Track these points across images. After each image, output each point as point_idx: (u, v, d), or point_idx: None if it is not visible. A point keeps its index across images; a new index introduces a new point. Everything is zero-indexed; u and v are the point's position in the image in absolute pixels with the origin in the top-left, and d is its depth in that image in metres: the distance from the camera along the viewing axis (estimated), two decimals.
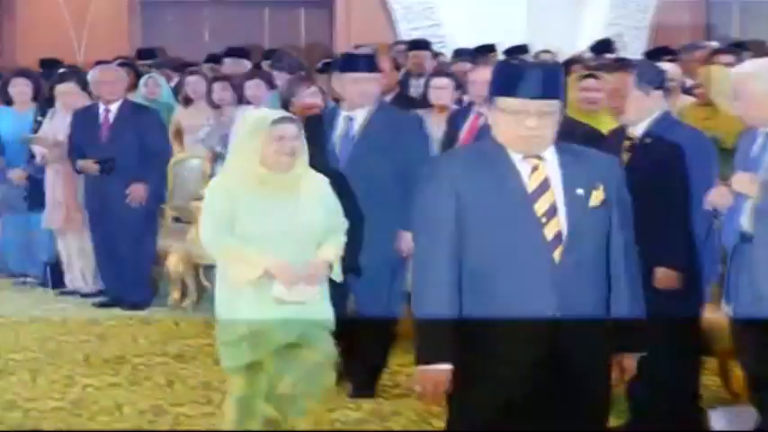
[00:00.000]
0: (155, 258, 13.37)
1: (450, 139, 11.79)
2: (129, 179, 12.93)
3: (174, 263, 13.04)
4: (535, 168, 5.27)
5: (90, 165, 12.75)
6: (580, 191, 5.34)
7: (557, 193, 5.34)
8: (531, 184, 5.31)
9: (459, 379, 5.50)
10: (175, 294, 13.07)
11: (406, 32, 20.41)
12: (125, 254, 13.17)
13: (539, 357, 5.47)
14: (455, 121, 11.78)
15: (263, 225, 7.25)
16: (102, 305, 13.04)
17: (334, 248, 7.54)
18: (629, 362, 5.71)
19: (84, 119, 13.17)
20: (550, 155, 5.37)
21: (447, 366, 5.41)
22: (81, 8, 20.32)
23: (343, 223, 7.65)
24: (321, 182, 7.63)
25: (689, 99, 11.90)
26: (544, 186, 5.29)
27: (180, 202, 13.90)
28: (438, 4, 21.02)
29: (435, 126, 11.98)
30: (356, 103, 9.78)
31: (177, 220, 13.98)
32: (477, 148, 5.60)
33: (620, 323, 5.61)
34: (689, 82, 12.62)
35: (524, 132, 5.06)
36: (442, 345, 5.37)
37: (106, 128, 13.02)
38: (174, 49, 19.47)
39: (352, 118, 9.78)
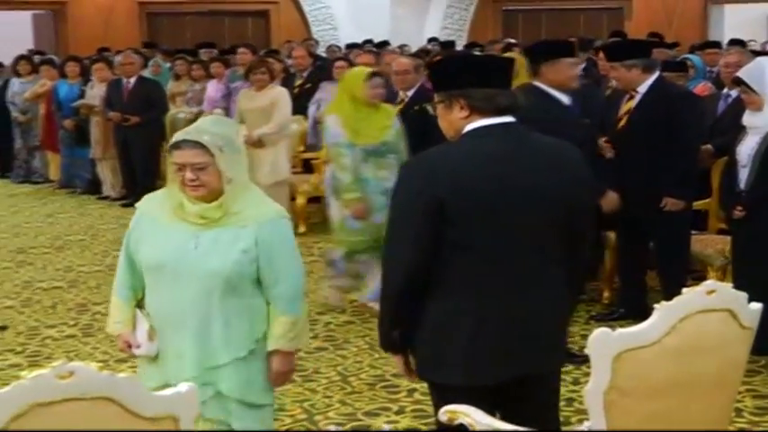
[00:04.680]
0: (158, 175, 13.25)
1: None
2: (140, 123, 12.79)
3: (170, 178, 12.94)
4: None
5: (117, 116, 12.65)
6: None
7: None
8: None
9: None
10: None
11: (315, 33, 20.28)
12: (139, 172, 13.00)
13: None
14: None
15: (157, 256, 4.07)
16: (124, 205, 12.89)
17: (275, 336, 4.12)
18: None
19: (115, 87, 13.02)
20: None
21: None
22: (108, 16, 20.03)
23: (288, 278, 4.13)
24: (262, 223, 4.04)
25: None
26: None
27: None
28: (335, 15, 20.86)
29: (336, 91, 11.97)
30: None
31: None
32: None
33: None
34: None
35: None
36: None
37: (126, 92, 12.84)
38: (168, 43, 19.20)
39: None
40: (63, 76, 14.25)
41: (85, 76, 14.01)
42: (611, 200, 7.03)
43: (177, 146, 3.99)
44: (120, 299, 4.25)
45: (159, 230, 4.11)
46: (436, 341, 3.69)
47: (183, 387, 2.86)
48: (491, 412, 3.61)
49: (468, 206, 3.56)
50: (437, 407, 3.58)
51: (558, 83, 6.61)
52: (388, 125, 7.59)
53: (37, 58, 16.01)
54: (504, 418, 3.62)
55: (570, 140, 4.32)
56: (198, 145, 3.92)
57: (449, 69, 3.90)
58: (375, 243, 7.08)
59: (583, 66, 9.87)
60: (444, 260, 3.60)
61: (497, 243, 3.60)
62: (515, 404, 3.79)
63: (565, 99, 6.61)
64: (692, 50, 12.98)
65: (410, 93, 9.04)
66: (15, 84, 15.16)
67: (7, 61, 16.34)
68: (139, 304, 4.23)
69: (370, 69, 7.80)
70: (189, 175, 3.93)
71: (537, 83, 6.66)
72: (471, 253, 3.59)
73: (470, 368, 3.67)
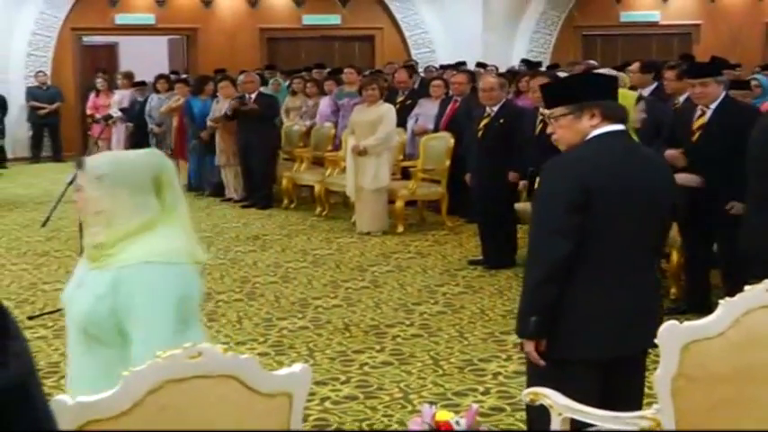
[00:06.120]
0: (274, 180, 13.37)
1: (439, 115, 11.75)
2: (253, 132, 12.84)
3: (285, 183, 13.05)
4: None
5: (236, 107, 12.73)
6: None
7: None
8: None
9: None
10: (285, 201, 13.03)
11: (415, 55, 20.29)
12: (258, 177, 13.10)
13: None
14: (443, 104, 11.81)
15: (62, 297, 3.32)
16: (245, 206, 13.03)
17: None
18: None
19: (239, 101, 13.02)
20: None
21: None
22: (233, 41, 20.25)
23: (143, 333, 2.99)
24: (123, 267, 3.04)
25: None
26: None
27: (288, 149, 13.93)
28: (433, 39, 20.87)
29: (432, 106, 12.03)
30: None
31: (287, 158, 13.99)
32: None
33: None
34: None
35: None
36: None
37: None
38: (284, 64, 19.35)
39: None
40: (193, 93, 14.44)
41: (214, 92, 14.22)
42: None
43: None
44: None
45: (77, 269, 3.34)
46: (566, 320, 3.71)
47: (297, 367, 2.87)
48: (600, 388, 3.73)
49: (607, 198, 3.68)
50: (552, 383, 3.57)
51: None
52: None
53: (173, 77, 16.30)
54: (608, 395, 3.70)
55: None
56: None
57: (583, 85, 4.05)
58: None
59: (655, 85, 9.74)
60: (581, 244, 3.66)
61: (622, 231, 3.71)
62: (620, 381, 3.83)
63: None
64: (764, 69, 12.72)
65: (495, 108, 9.10)
66: (154, 99, 15.46)
67: (146, 79, 16.67)
68: None
69: (636, 93, 6.80)
70: (75, 194, 3.23)
71: None
72: (601, 240, 3.68)
73: (599, 342, 3.74)
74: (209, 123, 13.63)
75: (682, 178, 6.62)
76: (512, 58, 19.88)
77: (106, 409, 2.60)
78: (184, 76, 17.04)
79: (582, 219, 3.64)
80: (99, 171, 3.13)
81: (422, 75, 16.31)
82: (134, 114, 15.87)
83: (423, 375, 6.17)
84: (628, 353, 3.82)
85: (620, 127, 3.82)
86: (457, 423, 3.20)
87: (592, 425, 3.46)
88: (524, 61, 18.41)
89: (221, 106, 13.39)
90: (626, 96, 6.62)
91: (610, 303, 3.73)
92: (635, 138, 6.28)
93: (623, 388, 3.87)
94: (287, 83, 16.11)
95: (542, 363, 3.78)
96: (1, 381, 1.53)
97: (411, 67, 16.04)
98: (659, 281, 3.98)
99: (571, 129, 3.83)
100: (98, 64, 20.94)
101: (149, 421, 2.63)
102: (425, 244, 10.39)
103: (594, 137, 3.78)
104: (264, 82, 15.57)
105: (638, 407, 3.74)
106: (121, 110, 16.31)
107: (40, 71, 18.99)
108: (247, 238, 10.91)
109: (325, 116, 13.75)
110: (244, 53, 20.09)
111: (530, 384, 3.79)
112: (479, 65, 16.91)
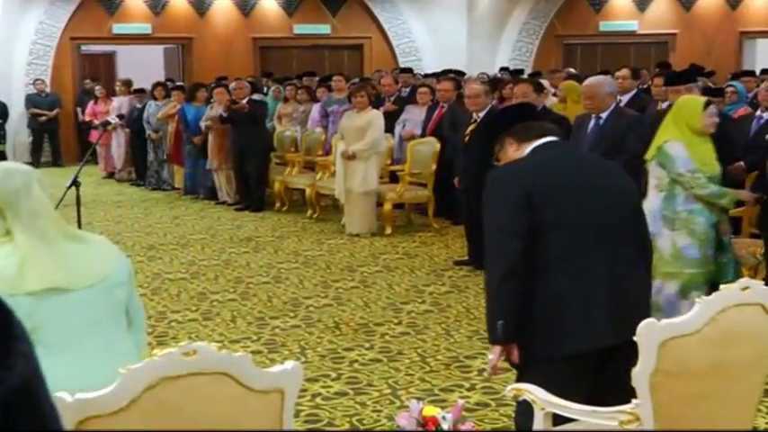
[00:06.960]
0: (267, 183, 13.34)
1: (426, 120, 11.75)
2: (247, 137, 12.75)
3: (277, 186, 13.03)
4: None
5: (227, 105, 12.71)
6: None
7: None
8: None
9: None
10: (277, 204, 13.01)
11: (402, 63, 20.27)
12: (252, 180, 13.05)
13: None
14: (430, 110, 11.80)
15: None
16: (238, 209, 13.01)
17: None
18: None
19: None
20: None
21: None
22: (227, 49, 20.23)
23: None
24: None
25: (554, 99, 11.71)
26: None
27: (280, 153, 13.92)
28: (420, 48, 20.92)
29: (419, 113, 12.04)
30: None
31: (279, 163, 13.99)
32: None
33: None
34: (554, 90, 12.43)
35: None
36: None
37: (241, 110, 12.86)
38: (277, 72, 19.32)
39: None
40: (187, 100, 14.42)
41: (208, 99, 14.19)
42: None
43: None
44: None
45: None
46: (536, 321, 3.67)
47: (289, 364, 2.87)
48: (590, 382, 3.72)
49: (550, 198, 3.71)
50: (538, 382, 3.53)
51: None
52: (716, 157, 6.24)
53: (170, 85, 16.27)
54: (600, 388, 3.71)
55: None
56: None
57: (495, 124, 4.37)
58: (706, 277, 6.14)
59: (633, 93, 9.76)
60: (540, 243, 3.66)
61: (575, 228, 3.71)
62: (611, 373, 3.75)
63: None
64: (735, 78, 12.75)
65: (482, 114, 9.08)
66: (151, 106, 15.41)
67: (141, 87, 16.63)
68: None
69: (704, 98, 6.44)
70: None
71: None
72: (559, 232, 3.69)
73: (573, 336, 3.68)
74: (202, 124, 13.61)
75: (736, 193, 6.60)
76: (495, 66, 19.89)
77: (105, 405, 2.59)
78: (180, 83, 17.01)
79: (529, 220, 3.66)
80: None
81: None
82: (132, 120, 15.83)
83: (410, 372, 6.16)
84: (607, 344, 3.71)
85: (548, 139, 3.97)
86: (443, 418, 3.20)
87: (573, 419, 3.46)
88: (504, 69, 18.41)
89: (215, 111, 13.36)
90: (693, 102, 6.40)
91: (576, 298, 3.66)
92: (710, 144, 6.27)
93: (616, 379, 3.78)
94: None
95: (497, 372, 3.80)
96: (7, 381, 1.51)
97: (409, 71, 15.99)
98: (644, 273, 3.90)
99: (507, 160, 4.05)
100: (96, 72, 20.88)
101: (147, 417, 2.62)
102: (413, 245, 10.39)
103: (530, 152, 3.95)
104: (259, 89, 15.55)
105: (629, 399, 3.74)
106: (119, 116, 16.27)
107: (39, 79, 18.94)
108: (241, 239, 10.89)
109: (316, 122, 13.75)
110: (237, 61, 20.07)
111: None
112: (457, 72, 16.92)
